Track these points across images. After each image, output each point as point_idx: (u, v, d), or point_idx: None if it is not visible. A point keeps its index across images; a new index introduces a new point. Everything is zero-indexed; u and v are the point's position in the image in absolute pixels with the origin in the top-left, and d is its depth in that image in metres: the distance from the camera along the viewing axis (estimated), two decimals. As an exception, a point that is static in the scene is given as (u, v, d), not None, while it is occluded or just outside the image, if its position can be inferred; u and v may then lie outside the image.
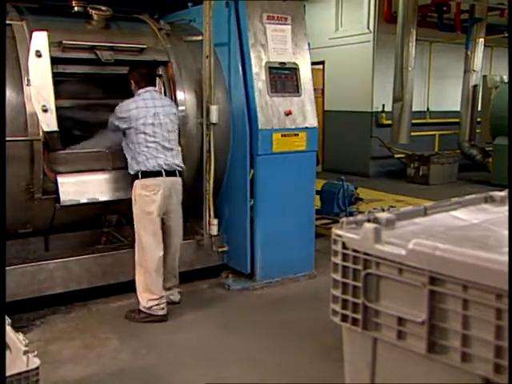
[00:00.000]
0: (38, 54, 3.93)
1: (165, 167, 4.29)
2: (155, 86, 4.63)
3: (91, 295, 4.65)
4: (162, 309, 4.32)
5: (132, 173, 4.30)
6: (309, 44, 5.33)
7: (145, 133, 4.24)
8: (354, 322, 2.29)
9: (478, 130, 11.99)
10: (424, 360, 2.09)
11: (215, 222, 5.01)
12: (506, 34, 11.77)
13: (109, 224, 4.77)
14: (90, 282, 4.56)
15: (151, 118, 4.26)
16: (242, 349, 3.95)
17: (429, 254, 2.00)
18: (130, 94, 4.41)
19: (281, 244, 5.12)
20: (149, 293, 4.29)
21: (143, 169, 4.24)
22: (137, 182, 4.26)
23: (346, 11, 12.21)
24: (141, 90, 4.36)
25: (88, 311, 4.54)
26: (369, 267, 2.21)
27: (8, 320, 2.61)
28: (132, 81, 4.44)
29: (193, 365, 3.71)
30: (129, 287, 4.49)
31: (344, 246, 2.29)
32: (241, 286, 5.07)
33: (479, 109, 11.89)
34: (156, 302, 4.29)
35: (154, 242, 4.29)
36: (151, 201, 4.24)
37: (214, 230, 5.03)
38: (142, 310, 4.31)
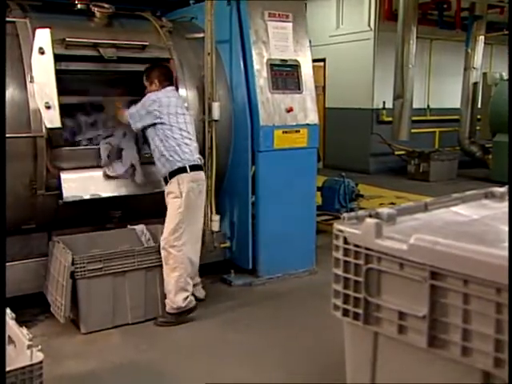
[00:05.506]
0: (41, 51, 3.96)
1: (199, 162, 4.33)
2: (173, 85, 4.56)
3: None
4: (192, 300, 4.28)
5: (175, 168, 4.13)
6: (310, 41, 5.35)
7: (179, 127, 4.20)
8: (356, 316, 2.32)
9: (477, 127, 12.02)
10: (425, 354, 2.11)
11: (217, 218, 5.01)
12: (506, 32, 11.78)
13: (112, 220, 4.78)
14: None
15: (180, 109, 4.28)
16: (243, 345, 3.97)
17: (430, 248, 2.03)
18: (133, 92, 4.36)
19: (282, 240, 5.13)
20: (184, 291, 4.19)
21: (191, 162, 4.18)
22: (184, 176, 4.12)
23: (347, 9, 12.21)
24: (164, 89, 4.31)
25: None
26: (370, 262, 2.24)
27: (12, 314, 2.62)
28: (152, 80, 4.35)
29: (194, 361, 3.73)
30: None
31: (345, 241, 2.31)
32: (242, 282, 5.10)
33: (479, 106, 11.91)
34: (190, 298, 4.25)
35: (194, 235, 4.29)
36: (199, 193, 4.24)
37: (216, 226, 5.02)
38: (176, 311, 4.20)
